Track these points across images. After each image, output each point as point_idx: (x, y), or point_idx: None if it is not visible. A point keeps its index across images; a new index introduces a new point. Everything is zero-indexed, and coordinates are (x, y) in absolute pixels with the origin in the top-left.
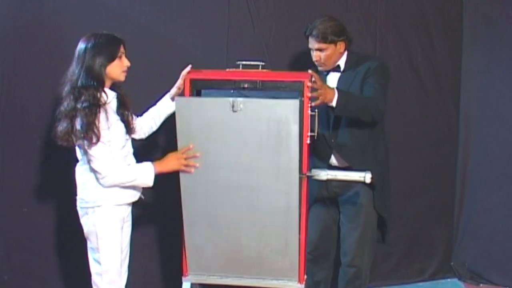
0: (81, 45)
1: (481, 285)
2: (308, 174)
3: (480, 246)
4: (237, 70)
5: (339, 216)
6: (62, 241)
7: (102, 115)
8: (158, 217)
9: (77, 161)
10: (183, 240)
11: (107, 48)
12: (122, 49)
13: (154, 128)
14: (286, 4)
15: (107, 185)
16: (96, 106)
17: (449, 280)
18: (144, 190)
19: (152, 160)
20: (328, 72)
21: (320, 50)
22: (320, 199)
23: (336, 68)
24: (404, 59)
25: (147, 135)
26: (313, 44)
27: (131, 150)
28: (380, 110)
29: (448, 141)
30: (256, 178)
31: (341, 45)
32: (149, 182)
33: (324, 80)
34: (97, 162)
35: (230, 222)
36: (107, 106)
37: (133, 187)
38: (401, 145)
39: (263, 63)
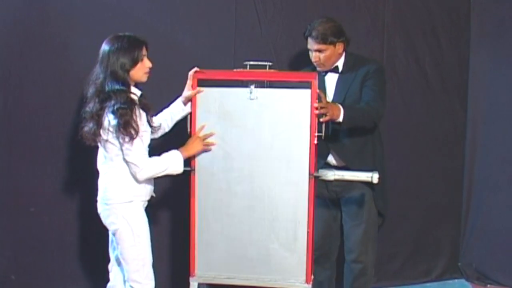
0: (104, 48)
1: (488, 285)
2: (315, 174)
3: (487, 246)
4: (245, 70)
5: (340, 215)
6: (69, 241)
7: (136, 112)
8: (166, 217)
9: (85, 160)
10: (191, 240)
11: (129, 52)
12: (144, 51)
13: (167, 129)
14: (293, 5)
15: (143, 177)
16: (130, 104)
17: (456, 280)
18: (154, 189)
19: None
20: (326, 72)
21: (319, 51)
22: (319, 198)
23: (334, 69)
24: (411, 59)
25: (159, 135)
26: (312, 45)
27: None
28: (381, 115)
29: (455, 141)
30: (268, 168)
31: (340, 46)
32: (179, 168)
33: (322, 81)
34: (134, 156)
35: (241, 215)
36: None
37: (151, 184)
38: (408, 145)
39: (270, 63)
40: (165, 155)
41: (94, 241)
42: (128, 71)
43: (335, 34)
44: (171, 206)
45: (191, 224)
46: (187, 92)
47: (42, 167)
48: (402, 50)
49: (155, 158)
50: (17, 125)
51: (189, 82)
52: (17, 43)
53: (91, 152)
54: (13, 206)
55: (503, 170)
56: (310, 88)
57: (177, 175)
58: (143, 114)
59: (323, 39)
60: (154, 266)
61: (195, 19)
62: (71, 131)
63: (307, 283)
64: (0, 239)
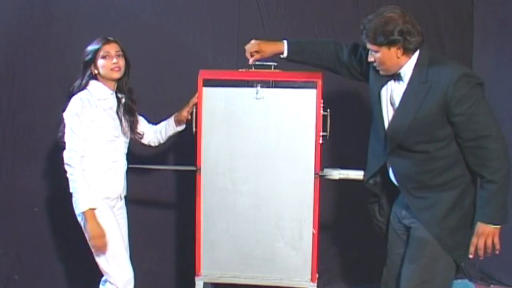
0: None
1: (491, 286)
2: (320, 173)
3: None
4: (251, 70)
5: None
6: (73, 241)
7: (86, 114)
8: (171, 216)
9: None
10: (197, 239)
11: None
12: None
13: (162, 142)
14: (296, 5)
15: (68, 174)
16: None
17: (459, 280)
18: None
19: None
20: (388, 78)
21: (373, 51)
22: (395, 236)
23: (397, 77)
24: None
25: (156, 144)
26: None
27: (124, 151)
28: (502, 142)
29: None
30: (274, 167)
31: (395, 50)
32: (81, 207)
33: (377, 87)
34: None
35: (246, 214)
36: (91, 101)
37: (115, 184)
38: None
39: (275, 64)
40: (85, 186)
41: None
42: None
43: (385, 34)
44: (176, 205)
45: (197, 224)
46: (182, 113)
47: (45, 167)
48: None
49: (79, 174)
50: (21, 125)
51: (193, 99)
52: (21, 43)
53: None
54: (16, 206)
55: None
56: (316, 88)
57: (185, 174)
58: (101, 112)
59: (372, 39)
60: (159, 265)
61: (198, 19)
62: None
63: (312, 282)
64: (3, 238)
